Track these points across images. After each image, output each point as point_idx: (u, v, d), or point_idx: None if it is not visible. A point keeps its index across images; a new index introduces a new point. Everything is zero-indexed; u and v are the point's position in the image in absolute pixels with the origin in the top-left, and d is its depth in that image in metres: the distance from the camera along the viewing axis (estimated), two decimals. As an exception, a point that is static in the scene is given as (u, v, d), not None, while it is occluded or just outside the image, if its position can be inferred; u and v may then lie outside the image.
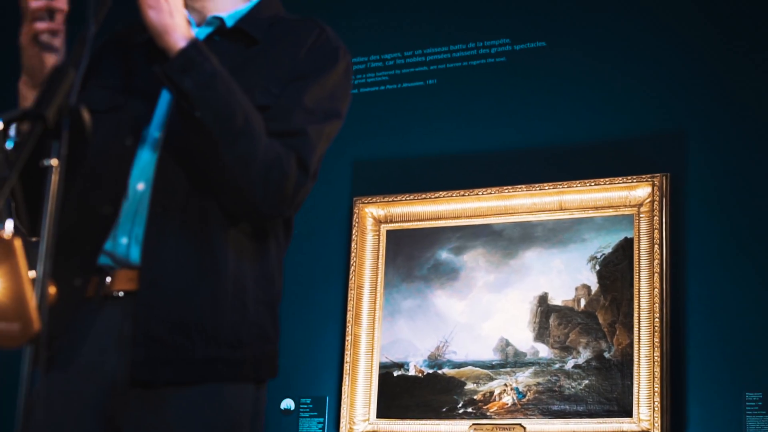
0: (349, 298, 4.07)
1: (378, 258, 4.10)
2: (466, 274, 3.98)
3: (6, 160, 1.34)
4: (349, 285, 4.09)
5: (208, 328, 1.81)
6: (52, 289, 1.38)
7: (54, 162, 1.39)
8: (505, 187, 3.95)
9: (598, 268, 3.80)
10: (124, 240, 1.84)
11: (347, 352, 4.02)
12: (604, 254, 3.80)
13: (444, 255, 4.04)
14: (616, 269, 3.77)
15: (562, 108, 4.03)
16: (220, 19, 1.97)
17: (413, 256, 4.08)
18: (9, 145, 1.36)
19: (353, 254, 4.11)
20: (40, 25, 1.82)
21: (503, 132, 4.10)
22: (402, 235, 4.10)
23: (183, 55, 1.78)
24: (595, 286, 3.78)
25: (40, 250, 1.36)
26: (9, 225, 1.29)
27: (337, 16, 4.41)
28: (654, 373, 3.59)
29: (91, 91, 1.90)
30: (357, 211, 4.14)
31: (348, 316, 4.05)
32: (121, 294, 1.83)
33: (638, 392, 3.60)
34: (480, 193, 3.99)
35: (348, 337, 4.03)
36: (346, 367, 4.00)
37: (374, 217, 4.13)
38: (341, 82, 1.98)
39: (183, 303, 1.81)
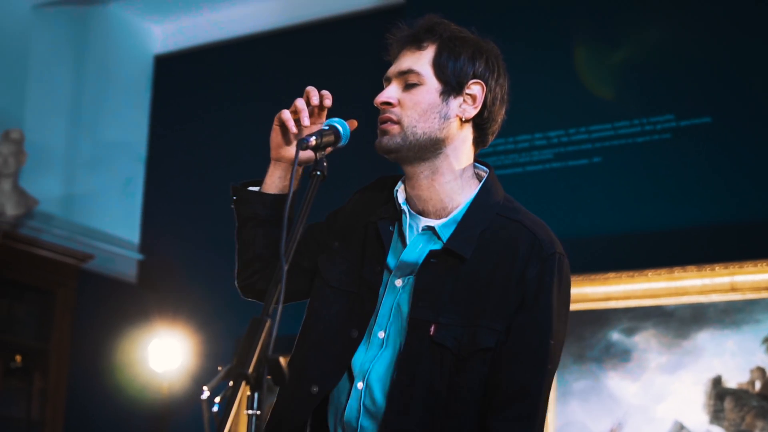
0: (522, 380, 4.12)
1: (549, 339, 4.14)
2: (639, 355, 3.99)
3: (214, 424, 1.48)
4: (522, 366, 4.14)
5: None
6: None
7: (257, 412, 1.53)
8: (675, 268, 3.95)
9: (773, 349, 3.77)
10: None
11: (522, 434, 4.08)
12: (778, 336, 3.77)
13: (615, 336, 4.06)
14: (791, 351, 3.73)
15: (730, 185, 4.00)
16: (434, 230, 1.97)
17: (584, 336, 4.12)
18: (215, 408, 1.49)
19: (524, 335, 4.16)
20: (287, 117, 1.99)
21: (671, 210, 4.09)
22: (572, 316, 4.07)
23: None
24: (770, 369, 3.76)
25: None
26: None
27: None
28: (835, 459, 3.55)
29: (330, 264, 2.01)
30: (527, 292, 4.19)
31: (521, 397, 4.11)
32: None
33: (819, 478, 3.57)
34: (649, 274, 4.00)
35: (522, 419, 4.09)
36: (522, 449, 4.06)
37: (544, 298, 4.18)
38: (562, 295, 2.04)
39: None
